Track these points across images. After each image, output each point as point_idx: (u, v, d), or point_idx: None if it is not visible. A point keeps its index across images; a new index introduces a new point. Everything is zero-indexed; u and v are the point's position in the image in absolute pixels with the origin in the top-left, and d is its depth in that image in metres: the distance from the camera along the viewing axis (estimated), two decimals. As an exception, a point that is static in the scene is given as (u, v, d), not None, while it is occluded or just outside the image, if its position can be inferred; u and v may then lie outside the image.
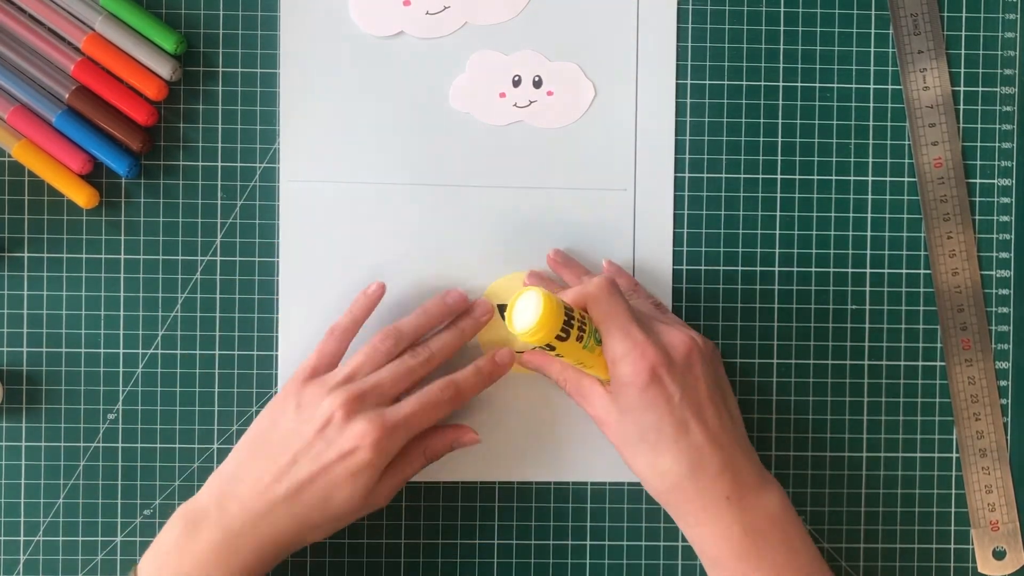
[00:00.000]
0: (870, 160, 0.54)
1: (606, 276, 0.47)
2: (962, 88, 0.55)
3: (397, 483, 0.48)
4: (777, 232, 0.54)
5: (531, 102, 0.53)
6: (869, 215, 0.54)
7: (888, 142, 0.54)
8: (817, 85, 0.54)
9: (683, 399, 0.45)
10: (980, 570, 0.55)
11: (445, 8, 0.53)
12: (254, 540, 0.46)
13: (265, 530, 0.46)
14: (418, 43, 0.53)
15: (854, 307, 0.54)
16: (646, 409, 0.45)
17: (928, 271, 0.55)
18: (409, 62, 0.53)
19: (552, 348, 0.45)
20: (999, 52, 0.55)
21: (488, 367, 0.50)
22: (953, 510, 0.55)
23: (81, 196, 0.51)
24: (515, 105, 0.53)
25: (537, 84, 0.53)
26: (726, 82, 0.54)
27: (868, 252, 0.54)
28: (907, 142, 0.55)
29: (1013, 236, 0.55)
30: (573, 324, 0.45)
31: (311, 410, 0.47)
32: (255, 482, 0.46)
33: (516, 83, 0.53)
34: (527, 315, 0.44)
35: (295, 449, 0.46)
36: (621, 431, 0.47)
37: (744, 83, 0.54)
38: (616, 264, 0.53)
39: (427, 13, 0.53)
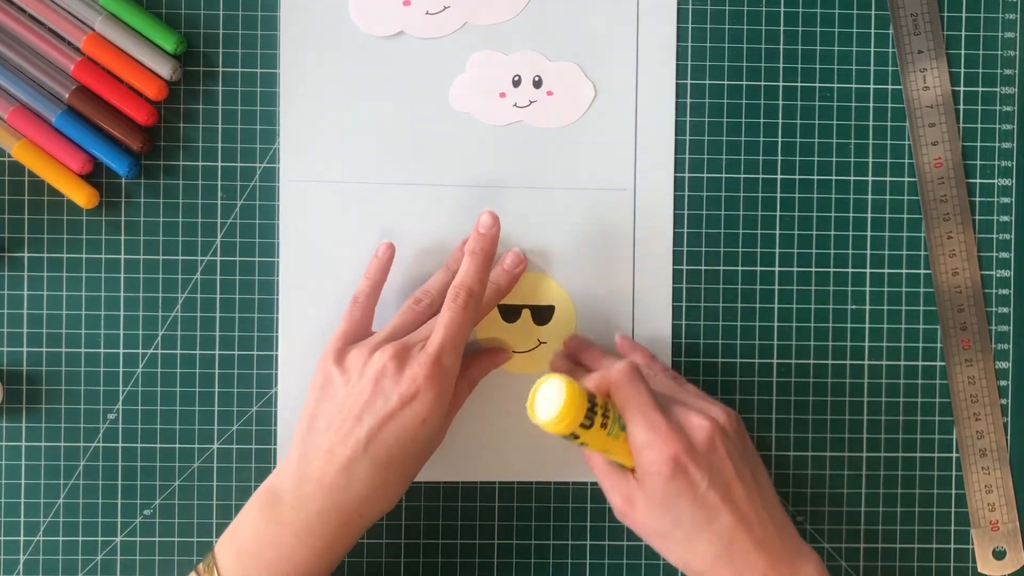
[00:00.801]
0: (870, 160, 0.54)
1: (628, 361, 0.46)
2: (962, 88, 0.55)
3: (451, 418, 0.49)
4: (777, 232, 0.54)
5: (531, 102, 0.53)
6: (869, 215, 0.54)
7: (888, 142, 0.54)
8: (817, 85, 0.54)
9: (710, 484, 0.45)
10: (980, 570, 0.55)
11: (445, 8, 0.53)
12: (336, 515, 0.45)
13: (345, 500, 0.45)
14: (418, 43, 0.53)
15: (854, 307, 0.54)
16: (674, 497, 0.45)
17: (928, 271, 0.55)
18: (409, 62, 0.53)
19: (576, 437, 0.44)
20: (999, 52, 0.55)
21: (476, 243, 0.49)
22: (953, 510, 0.55)
23: (81, 196, 0.51)
24: (515, 105, 0.53)
25: (537, 84, 0.53)
26: (726, 82, 0.54)
27: (868, 252, 0.54)
28: (907, 142, 0.55)
29: (1013, 236, 0.55)
30: (596, 411, 0.44)
31: (361, 370, 0.46)
32: (325, 454, 0.46)
33: (516, 83, 0.53)
34: (550, 405, 0.42)
35: (356, 410, 0.46)
36: (651, 520, 0.46)
37: (744, 83, 0.54)
38: (628, 338, 0.53)
39: (427, 13, 0.53)
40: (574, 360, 0.52)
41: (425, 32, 0.53)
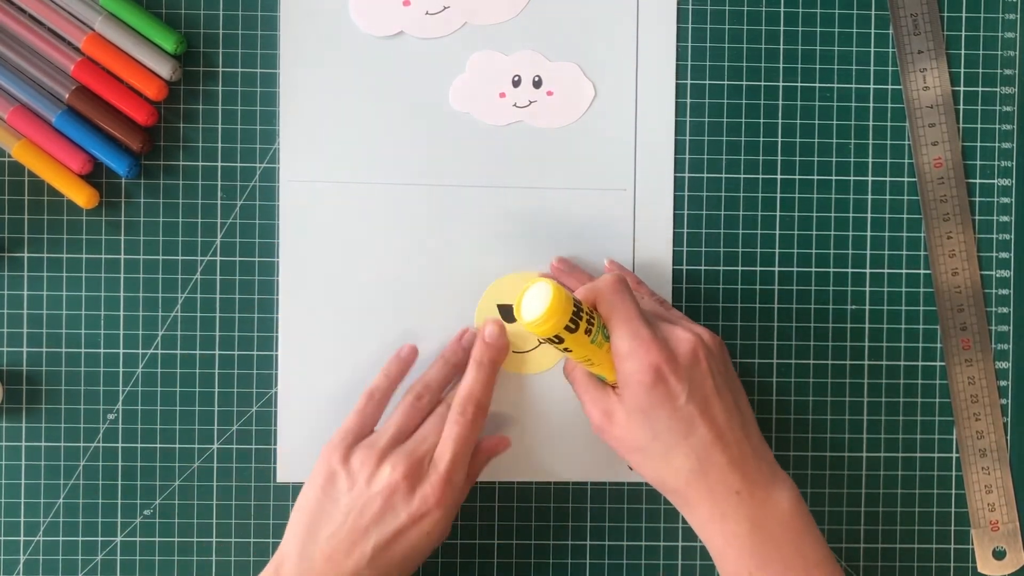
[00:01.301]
0: (870, 160, 0.54)
1: (616, 274, 0.47)
2: (962, 88, 0.55)
3: (455, 514, 0.49)
4: (777, 232, 0.54)
5: (531, 102, 0.53)
6: (869, 215, 0.54)
7: (888, 142, 0.54)
8: (817, 85, 0.54)
9: (689, 397, 0.45)
10: (980, 570, 0.55)
11: (445, 8, 0.53)
12: None
13: None
14: (418, 43, 0.53)
15: (854, 307, 0.54)
16: (654, 407, 0.45)
17: (928, 271, 0.55)
18: (409, 62, 0.53)
19: (560, 340, 0.45)
20: (999, 52, 0.55)
21: (484, 354, 0.50)
22: (953, 510, 0.55)
23: (81, 196, 0.51)
24: (515, 105, 0.53)
25: (537, 84, 0.53)
26: (726, 82, 0.54)
27: (868, 252, 0.54)
28: (907, 142, 0.55)
29: (1013, 236, 0.55)
30: (582, 317, 0.45)
31: (368, 479, 0.47)
32: (326, 561, 0.46)
33: (516, 83, 0.53)
34: (536, 305, 0.44)
35: (363, 523, 0.46)
36: (628, 432, 0.46)
37: (744, 83, 0.54)
38: (618, 263, 0.53)
39: (427, 13, 0.53)
40: (561, 281, 0.52)
41: (425, 32, 0.53)
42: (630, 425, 0.46)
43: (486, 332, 0.51)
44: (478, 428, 0.49)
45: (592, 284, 0.47)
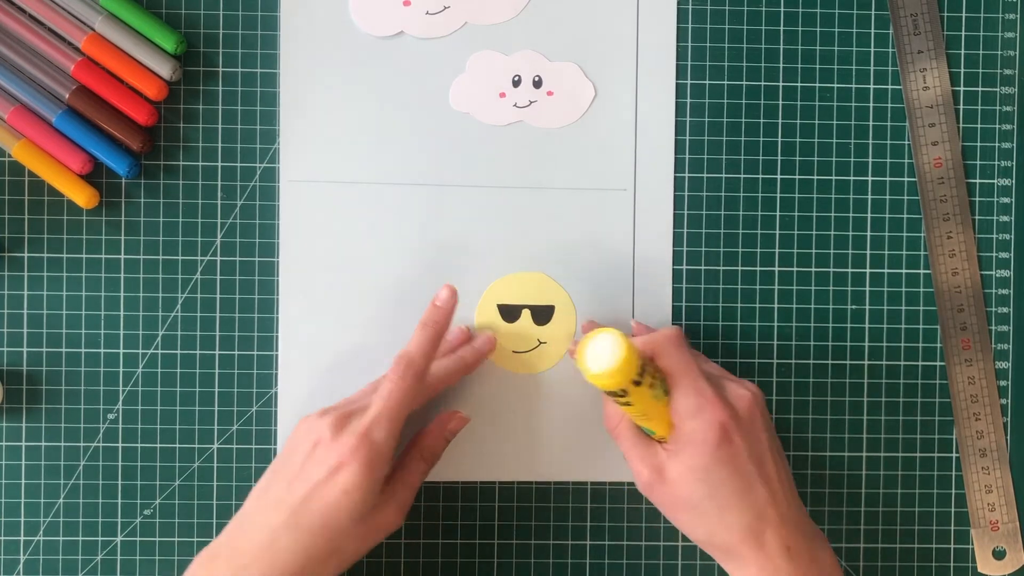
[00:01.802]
0: (870, 160, 0.54)
1: (675, 328, 0.47)
2: (962, 88, 0.55)
3: (405, 497, 0.48)
4: (777, 232, 0.54)
5: (531, 102, 0.53)
6: (869, 215, 0.54)
7: (888, 142, 0.54)
8: (817, 85, 0.54)
9: (749, 455, 0.45)
10: (980, 570, 0.55)
11: (445, 8, 0.53)
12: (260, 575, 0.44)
13: (271, 564, 0.44)
14: (418, 43, 0.53)
15: (854, 307, 0.54)
16: (716, 465, 0.45)
17: (928, 271, 0.55)
18: (409, 62, 0.53)
19: (623, 394, 0.43)
20: (999, 52, 0.55)
21: (429, 316, 0.49)
22: (953, 510, 0.55)
23: (81, 196, 0.51)
24: (515, 105, 0.53)
25: (537, 84, 0.53)
26: (726, 82, 0.54)
27: (868, 252, 0.54)
28: (907, 142, 0.55)
29: (1013, 236, 0.55)
30: (646, 371, 0.43)
31: (305, 435, 0.47)
32: (260, 514, 0.46)
33: (516, 83, 0.53)
34: (604, 357, 0.41)
35: (290, 475, 0.46)
36: (682, 490, 0.45)
37: (744, 83, 0.54)
38: (643, 324, 0.53)
39: (427, 13, 0.53)
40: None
41: (425, 32, 0.53)
42: (685, 483, 0.45)
43: (437, 295, 0.49)
44: (410, 387, 0.47)
45: (651, 337, 0.46)
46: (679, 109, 0.54)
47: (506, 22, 0.53)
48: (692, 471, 0.45)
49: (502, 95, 0.53)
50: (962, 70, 0.55)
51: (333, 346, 0.53)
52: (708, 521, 0.45)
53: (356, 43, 0.53)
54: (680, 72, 0.54)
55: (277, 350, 0.53)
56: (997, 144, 0.55)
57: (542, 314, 0.54)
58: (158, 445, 0.53)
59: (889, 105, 0.54)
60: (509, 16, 0.53)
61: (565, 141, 0.54)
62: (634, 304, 0.54)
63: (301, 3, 0.53)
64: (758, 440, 0.46)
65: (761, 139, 0.54)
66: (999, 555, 0.55)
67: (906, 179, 0.55)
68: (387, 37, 0.53)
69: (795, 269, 0.54)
